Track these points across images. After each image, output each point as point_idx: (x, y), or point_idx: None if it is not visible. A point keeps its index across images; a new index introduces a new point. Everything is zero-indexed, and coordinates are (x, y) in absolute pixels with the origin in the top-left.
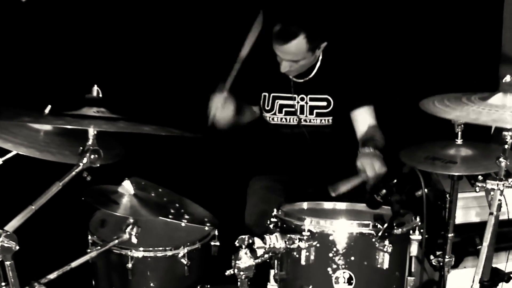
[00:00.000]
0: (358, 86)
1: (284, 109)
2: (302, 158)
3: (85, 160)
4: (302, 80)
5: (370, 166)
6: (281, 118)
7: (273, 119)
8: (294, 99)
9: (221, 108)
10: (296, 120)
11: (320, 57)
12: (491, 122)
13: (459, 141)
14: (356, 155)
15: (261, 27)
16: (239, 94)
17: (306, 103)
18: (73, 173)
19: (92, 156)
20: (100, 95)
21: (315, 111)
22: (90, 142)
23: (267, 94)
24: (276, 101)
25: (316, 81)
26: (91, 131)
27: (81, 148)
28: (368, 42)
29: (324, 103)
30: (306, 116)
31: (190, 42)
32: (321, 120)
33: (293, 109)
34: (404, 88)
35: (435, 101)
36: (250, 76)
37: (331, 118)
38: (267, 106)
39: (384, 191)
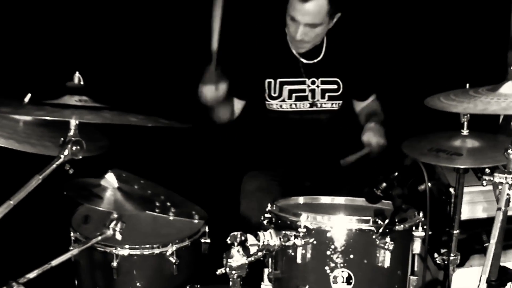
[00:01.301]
0: (366, 73)
1: (294, 95)
2: (304, 147)
3: (66, 152)
4: (311, 62)
5: (375, 139)
6: (291, 104)
7: (281, 106)
8: (304, 83)
9: (213, 85)
10: (308, 105)
11: (325, 39)
12: (501, 111)
13: (465, 132)
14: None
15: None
16: (239, 83)
17: (318, 86)
18: (54, 165)
19: (74, 148)
20: (82, 83)
21: (327, 94)
22: (72, 132)
23: (272, 80)
24: (285, 86)
25: (326, 63)
26: (73, 122)
27: (62, 139)
28: (376, 26)
29: (335, 86)
30: (318, 100)
31: (177, 23)
32: (332, 104)
33: (304, 94)
34: (408, 77)
35: (441, 97)
36: (251, 63)
37: (340, 102)
38: (274, 93)
39: (384, 184)
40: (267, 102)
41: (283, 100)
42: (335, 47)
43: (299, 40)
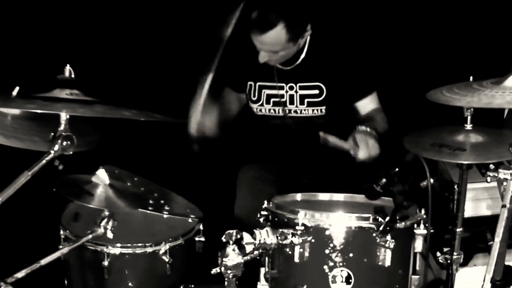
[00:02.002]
0: (356, 74)
1: (272, 100)
2: (292, 150)
3: (56, 147)
4: (288, 68)
5: (364, 143)
6: (269, 109)
7: (260, 110)
8: (282, 88)
9: (204, 114)
10: (281, 111)
11: (308, 42)
12: (506, 104)
13: (468, 126)
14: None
15: (242, 9)
16: (225, 82)
17: (296, 92)
18: (44, 161)
19: (64, 143)
20: (73, 76)
21: (306, 100)
22: (62, 127)
23: (252, 83)
24: (263, 91)
25: (305, 68)
26: (64, 116)
27: (52, 134)
28: (364, 24)
29: (316, 91)
30: (297, 106)
31: (170, 13)
32: (313, 110)
33: (282, 99)
34: (410, 70)
35: (443, 90)
36: (234, 64)
37: (324, 107)
38: (254, 96)
39: (384, 180)
40: (251, 104)
41: (262, 104)
42: (318, 50)
43: (262, 62)
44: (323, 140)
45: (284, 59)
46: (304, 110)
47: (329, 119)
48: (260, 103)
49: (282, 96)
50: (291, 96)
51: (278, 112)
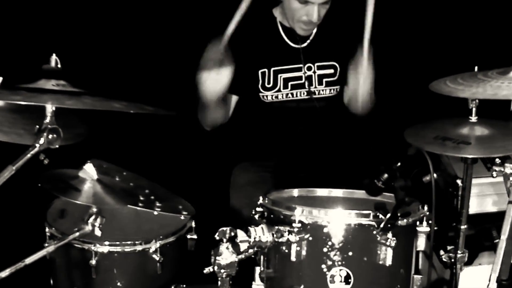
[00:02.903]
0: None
1: (290, 83)
2: (300, 137)
3: (42, 141)
4: (305, 45)
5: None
6: (287, 94)
7: (276, 96)
8: (300, 69)
9: (217, 69)
10: (305, 93)
11: None
12: None
13: (473, 118)
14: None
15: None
16: (234, 76)
17: (314, 72)
18: (29, 155)
19: (50, 136)
20: (59, 66)
21: (324, 80)
22: (48, 119)
23: (266, 70)
24: (279, 75)
25: (320, 45)
26: (49, 108)
27: (37, 126)
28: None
29: (331, 71)
30: (315, 87)
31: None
32: (330, 90)
33: (300, 82)
34: (412, 59)
35: (447, 81)
36: (243, 53)
37: (338, 87)
38: (268, 84)
39: (385, 175)
40: (261, 94)
41: (279, 90)
42: (325, 26)
43: (315, 22)
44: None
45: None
46: (323, 90)
47: (340, 99)
48: (276, 89)
49: (300, 78)
50: (309, 77)
51: (297, 96)
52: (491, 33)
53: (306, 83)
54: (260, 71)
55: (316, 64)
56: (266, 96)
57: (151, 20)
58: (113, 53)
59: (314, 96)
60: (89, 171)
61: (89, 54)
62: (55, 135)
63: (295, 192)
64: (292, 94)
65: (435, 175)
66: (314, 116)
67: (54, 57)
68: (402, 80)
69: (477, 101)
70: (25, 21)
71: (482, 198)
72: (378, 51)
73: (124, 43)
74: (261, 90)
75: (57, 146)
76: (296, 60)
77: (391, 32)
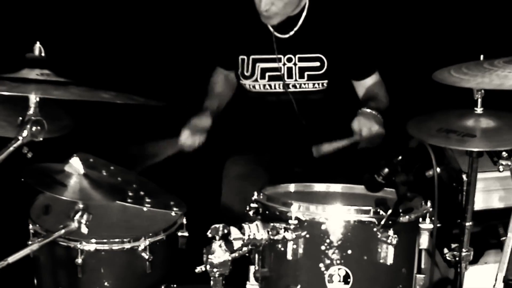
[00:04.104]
0: (358, 48)
1: (267, 74)
2: (288, 131)
3: (25, 133)
4: (286, 36)
5: (367, 127)
6: (264, 85)
7: (254, 86)
8: (279, 60)
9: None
10: (281, 86)
11: (307, 6)
12: None
13: (478, 110)
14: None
15: None
16: (214, 58)
17: (295, 64)
18: (11, 148)
19: (34, 128)
20: (43, 54)
21: (306, 73)
22: (31, 111)
23: (245, 57)
24: (257, 64)
25: (304, 37)
26: (33, 98)
27: (20, 118)
28: None
29: (317, 64)
30: (296, 80)
31: None
32: (314, 84)
33: (278, 73)
34: (415, 48)
35: (451, 70)
36: (224, 37)
37: (326, 81)
38: (247, 72)
39: (386, 170)
40: (241, 82)
41: (256, 80)
42: (317, 16)
43: (264, 11)
44: (317, 152)
45: (286, 9)
46: (304, 84)
47: (330, 94)
48: (254, 78)
49: (279, 69)
50: (289, 69)
51: (275, 88)
52: (497, 20)
53: (286, 75)
54: (240, 57)
55: (297, 56)
56: (245, 84)
57: (138, 5)
58: (99, 41)
59: (290, 90)
60: (75, 165)
61: (75, 42)
62: (39, 127)
63: (292, 187)
64: (270, 85)
65: (438, 169)
66: (297, 111)
67: (38, 45)
68: (404, 69)
69: (482, 91)
70: (7, 7)
71: (488, 194)
72: (380, 38)
73: (110, 30)
74: (241, 77)
75: (41, 139)
76: (276, 50)
77: (392, 19)
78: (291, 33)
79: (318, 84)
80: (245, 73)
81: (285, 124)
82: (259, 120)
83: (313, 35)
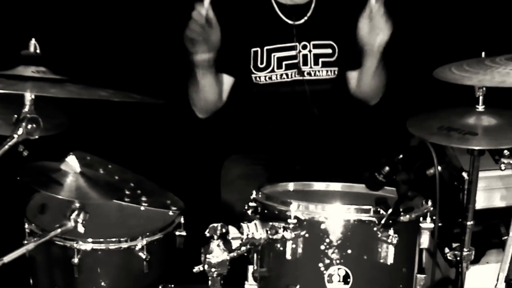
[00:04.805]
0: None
1: (284, 63)
2: (300, 122)
3: (20, 131)
4: (301, 22)
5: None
6: (281, 75)
7: (270, 77)
8: (295, 48)
9: (205, 28)
10: (296, 74)
11: None
12: None
13: (480, 107)
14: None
15: None
16: (226, 54)
17: (310, 51)
18: (6, 146)
19: (29, 126)
20: (39, 51)
21: (320, 60)
22: (27, 108)
23: (259, 48)
24: (273, 54)
25: (317, 23)
26: (28, 96)
27: (15, 116)
28: None
29: (329, 50)
30: (311, 67)
31: None
32: (327, 71)
33: (295, 61)
34: (415, 44)
35: (452, 67)
36: (234, 30)
37: (336, 69)
38: (261, 64)
39: (387, 168)
40: (253, 75)
41: (272, 71)
42: (326, 3)
43: None
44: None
45: None
46: (319, 71)
47: (339, 84)
48: (270, 69)
49: (296, 57)
50: (305, 56)
51: (291, 77)
52: (499, 17)
53: (301, 63)
54: (252, 50)
55: (312, 43)
56: (259, 77)
57: (135, 2)
58: (95, 38)
59: (306, 78)
60: (72, 163)
61: (70, 39)
62: (34, 125)
63: (291, 186)
64: (286, 74)
65: (439, 168)
66: (311, 101)
67: (33, 42)
68: (404, 66)
69: (484, 89)
70: (1, 3)
71: (489, 192)
72: None
73: (107, 27)
74: (254, 71)
75: (36, 137)
76: (291, 38)
77: (393, 14)
78: (305, 18)
79: (330, 71)
80: (260, 65)
81: (297, 115)
82: (262, 116)
83: (324, 21)
